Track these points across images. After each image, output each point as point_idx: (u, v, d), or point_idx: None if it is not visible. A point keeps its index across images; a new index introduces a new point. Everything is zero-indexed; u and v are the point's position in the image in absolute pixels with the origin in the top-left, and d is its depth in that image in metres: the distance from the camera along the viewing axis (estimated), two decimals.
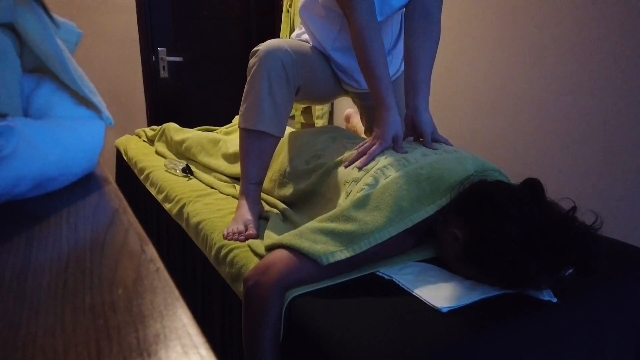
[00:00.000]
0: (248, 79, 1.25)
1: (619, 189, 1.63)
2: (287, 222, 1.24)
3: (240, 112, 1.27)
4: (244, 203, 1.26)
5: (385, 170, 1.04)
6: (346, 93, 1.61)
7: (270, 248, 1.00)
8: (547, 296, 0.87)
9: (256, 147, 1.27)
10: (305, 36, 1.47)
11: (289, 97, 1.26)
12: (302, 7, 1.42)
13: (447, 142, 1.22)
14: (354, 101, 1.69)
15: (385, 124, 1.16)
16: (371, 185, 1.01)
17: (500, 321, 0.82)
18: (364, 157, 1.12)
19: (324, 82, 1.43)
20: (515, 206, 0.86)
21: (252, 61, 1.25)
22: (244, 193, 1.28)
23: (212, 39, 3.23)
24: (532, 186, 0.92)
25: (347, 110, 1.97)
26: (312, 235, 0.93)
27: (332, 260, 0.90)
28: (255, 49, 1.25)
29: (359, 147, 1.19)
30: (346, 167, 1.15)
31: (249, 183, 1.28)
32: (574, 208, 0.87)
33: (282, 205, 1.33)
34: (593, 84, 1.67)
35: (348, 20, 1.20)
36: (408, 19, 1.29)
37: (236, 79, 3.28)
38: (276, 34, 3.27)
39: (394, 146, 1.15)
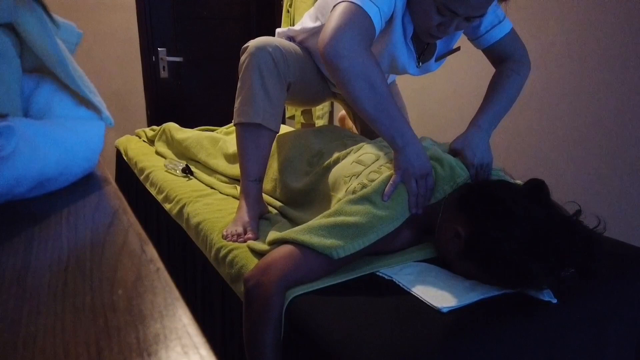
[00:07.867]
0: (240, 75, 1.26)
1: (619, 188, 1.63)
2: (288, 221, 1.24)
3: (234, 109, 1.26)
4: (244, 204, 1.24)
5: (388, 165, 1.05)
6: (335, 96, 1.58)
7: (274, 242, 0.99)
8: (547, 296, 0.87)
9: (253, 142, 1.25)
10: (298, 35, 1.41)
11: (281, 92, 1.25)
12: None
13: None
14: (341, 104, 1.67)
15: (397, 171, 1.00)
16: (374, 179, 1.01)
17: (500, 321, 0.82)
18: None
19: (314, 82, 1.41)
20: (519, 206, 0.86)
21: (242, 57, 1.25)
22: (244, 192, 1.26)
23: (212, 39, 3.23)
24: (537, 187, 0.91)
25: (341, 113, 1.96)
26: (319, 231, 0.93)
27: (342, 254, 0.90)
28: (245, 45, 1.26)
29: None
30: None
31: (249, 180, 1.27)
32: (579, 211, 0.87)
33: (282, 206, 1.32)
34: (594, 84, 1.67)
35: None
36: (495, 62, 1.33)
37: (236, 79, 3.27)
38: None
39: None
